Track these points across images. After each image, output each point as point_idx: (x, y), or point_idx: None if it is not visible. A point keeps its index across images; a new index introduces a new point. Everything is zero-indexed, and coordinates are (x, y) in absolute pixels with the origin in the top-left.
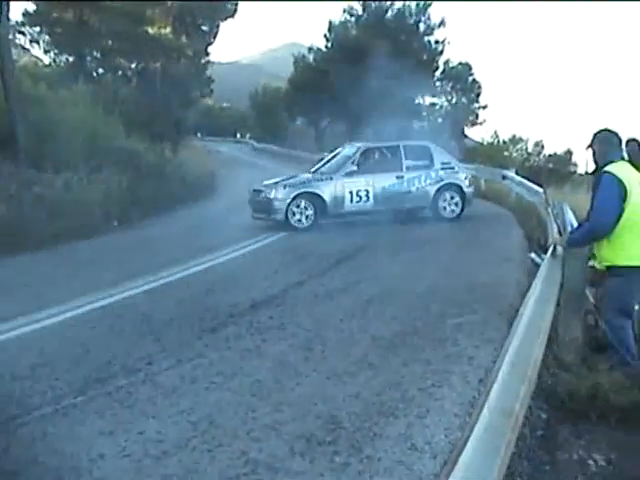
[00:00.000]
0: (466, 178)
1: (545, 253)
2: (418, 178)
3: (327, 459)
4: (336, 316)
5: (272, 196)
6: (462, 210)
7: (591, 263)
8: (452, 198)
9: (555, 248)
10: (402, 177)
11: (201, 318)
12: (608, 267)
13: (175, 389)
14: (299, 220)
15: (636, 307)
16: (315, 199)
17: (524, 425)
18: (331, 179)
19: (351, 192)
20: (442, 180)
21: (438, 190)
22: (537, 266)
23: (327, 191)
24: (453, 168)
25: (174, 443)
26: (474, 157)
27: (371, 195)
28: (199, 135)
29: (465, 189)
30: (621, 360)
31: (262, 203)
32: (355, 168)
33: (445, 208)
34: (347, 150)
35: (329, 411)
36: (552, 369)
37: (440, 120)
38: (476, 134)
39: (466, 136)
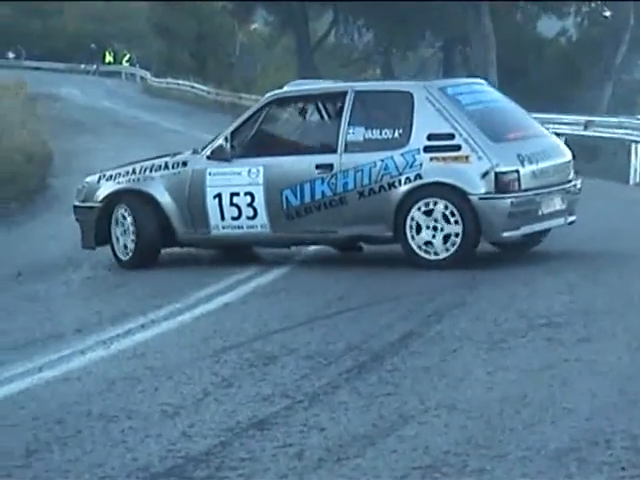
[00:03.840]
0: (489, 173)
1: None
2: (365, 170)
3: None
4: None
5: (81, 196)
6: (466, 249)
7: None
8: (445, 218)
9: None
10: (331, 166)
11: None
12: None
13: None
14: (125, 247)
15: None
16: (143, 207)
17: None
18: (184, 165)
19: (219, 196)
20: (420, 177)
21: (409, 196)
22: None
23: (167, 191)
24: (458, 147)
25: None
26: None
27: (261, 204)
28: (11, 56)
29: (475, 198)
30: None
31: None
32: (226, 144)
33: (424, 241)
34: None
35: None
36: None
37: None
38: None
39: None
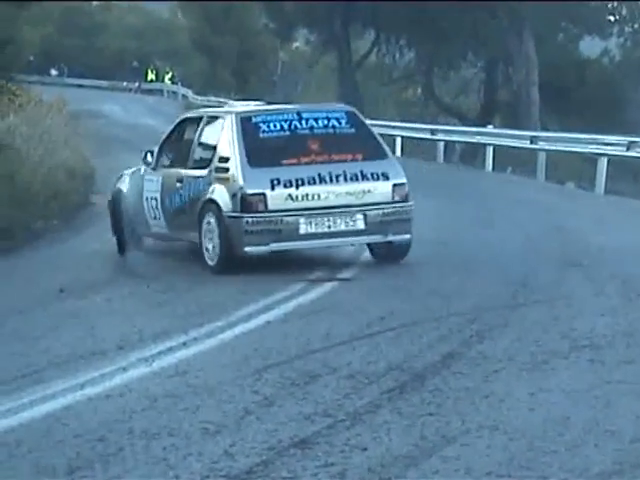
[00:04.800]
0: (237, 194)
1: None
2: (192, 185)
3: None
4: None
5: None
6: (224, 260)
7: None
8: (211, 232)
9: None
10: (182, 180)
11: None
12: None
13: None
14: None
15: None
16: (116, 202)
17: None
18: (139, 171)
19: (147, 199)
20: (206, 193)
21: (202, 209)
22: None
23: (128, 190)
24: (227, 170)
25: None
26: None
27: (159, 208)
28: (54, 73)
29: (225, 216)
30: None
31: None
32: (151, 155)
33: (205, 247)
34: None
35: None
36: None
37: None
38: None
39: None
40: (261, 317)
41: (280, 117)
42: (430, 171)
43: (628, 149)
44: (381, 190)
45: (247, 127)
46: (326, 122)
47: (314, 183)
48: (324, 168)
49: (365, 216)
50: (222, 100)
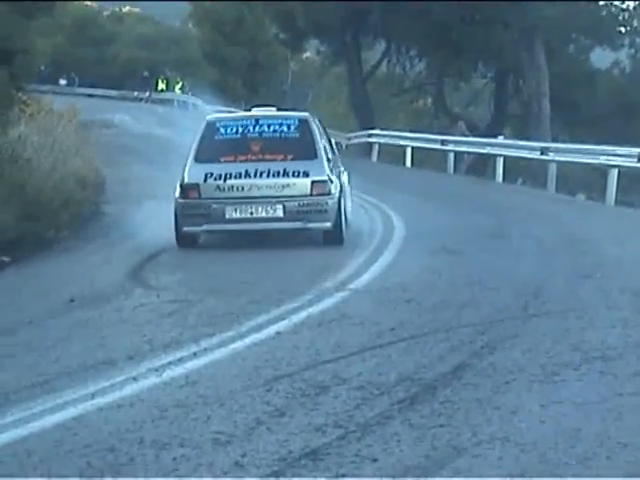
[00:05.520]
0: (182, 183)
1: None
2: None
3: None
4: None
5: None
6: (176, 236)
7: None
8: None
9: None
10: None
11: None
12: None
13: None
14: None
15: None
16: None
17: None
18: None
19: None
20: None
21: None
22: None
23: None
24: (185, 165)
25: None
26: None
27: None
28: (62, 82)
29: (175, 201)
30: None
31: None
32: None
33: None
34: None
35: None
36: None
37: None
38: None
39: None
40: (272, 327)
41: (239, 123)
42: (440, 182)
43: (639, 160)
44: (300, 185)
45: (209, 130)
46: (277, 127)
47: (240, 177)
48: (253, 165)
49: (284, 206)
50: (233, 110)
